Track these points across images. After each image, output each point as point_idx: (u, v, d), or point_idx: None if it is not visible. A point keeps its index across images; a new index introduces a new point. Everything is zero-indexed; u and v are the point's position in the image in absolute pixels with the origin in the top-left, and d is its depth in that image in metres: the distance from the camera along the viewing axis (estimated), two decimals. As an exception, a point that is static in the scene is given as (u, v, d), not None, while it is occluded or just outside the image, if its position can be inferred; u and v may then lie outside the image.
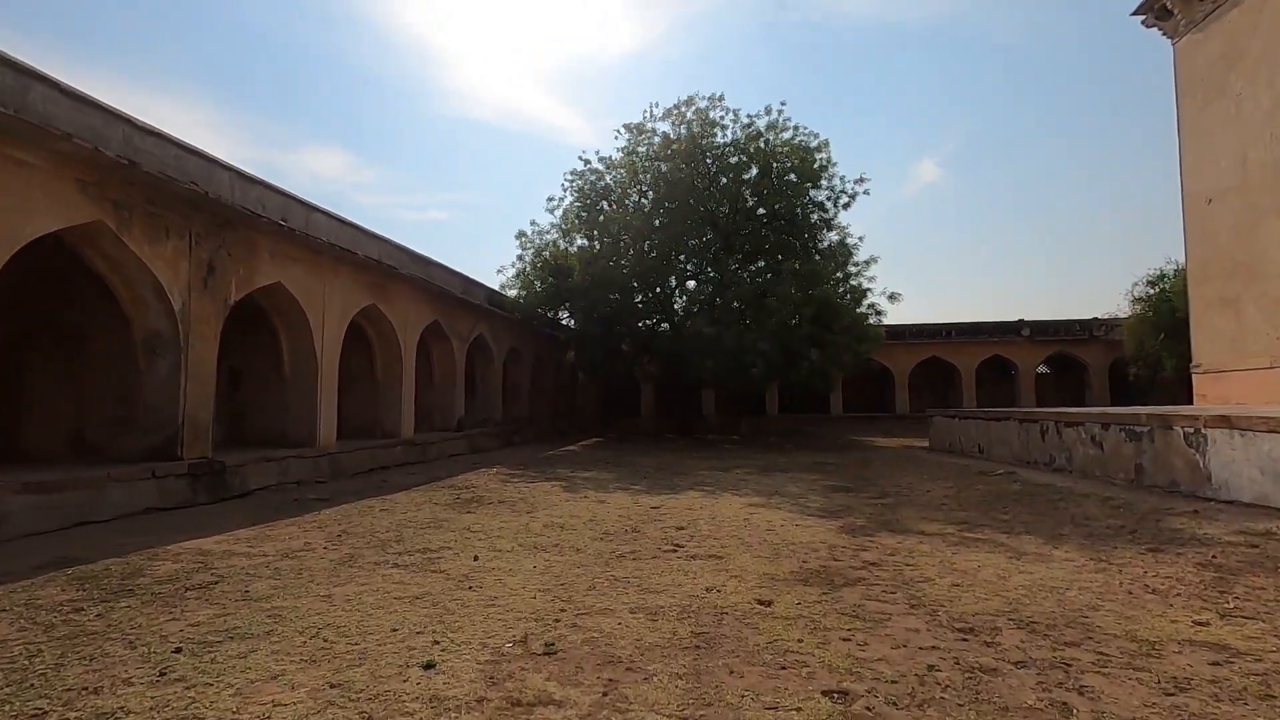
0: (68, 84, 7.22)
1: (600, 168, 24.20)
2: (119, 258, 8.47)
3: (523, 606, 4.35)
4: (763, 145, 22.30)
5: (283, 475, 10.61)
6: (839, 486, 10.65)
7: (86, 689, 3.06)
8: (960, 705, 2.88)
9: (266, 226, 10.32)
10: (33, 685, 3.11)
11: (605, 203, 24.23)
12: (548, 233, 24.23)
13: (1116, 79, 77.37)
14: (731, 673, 3.26)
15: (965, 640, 3.67)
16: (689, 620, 4.06)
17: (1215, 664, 3.31)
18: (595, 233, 23.72)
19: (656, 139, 23.20)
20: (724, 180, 22.53)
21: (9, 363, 9.57)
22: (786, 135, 22.64)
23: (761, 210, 22.82)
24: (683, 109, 22.99)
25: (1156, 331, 26.02)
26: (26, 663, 3.37)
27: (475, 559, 5.68)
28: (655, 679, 3.18)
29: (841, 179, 22.41)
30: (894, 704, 2.89)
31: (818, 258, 21.61)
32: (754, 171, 22.47)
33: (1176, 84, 14.32)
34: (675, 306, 24.47)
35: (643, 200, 24.12)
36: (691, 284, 24.78)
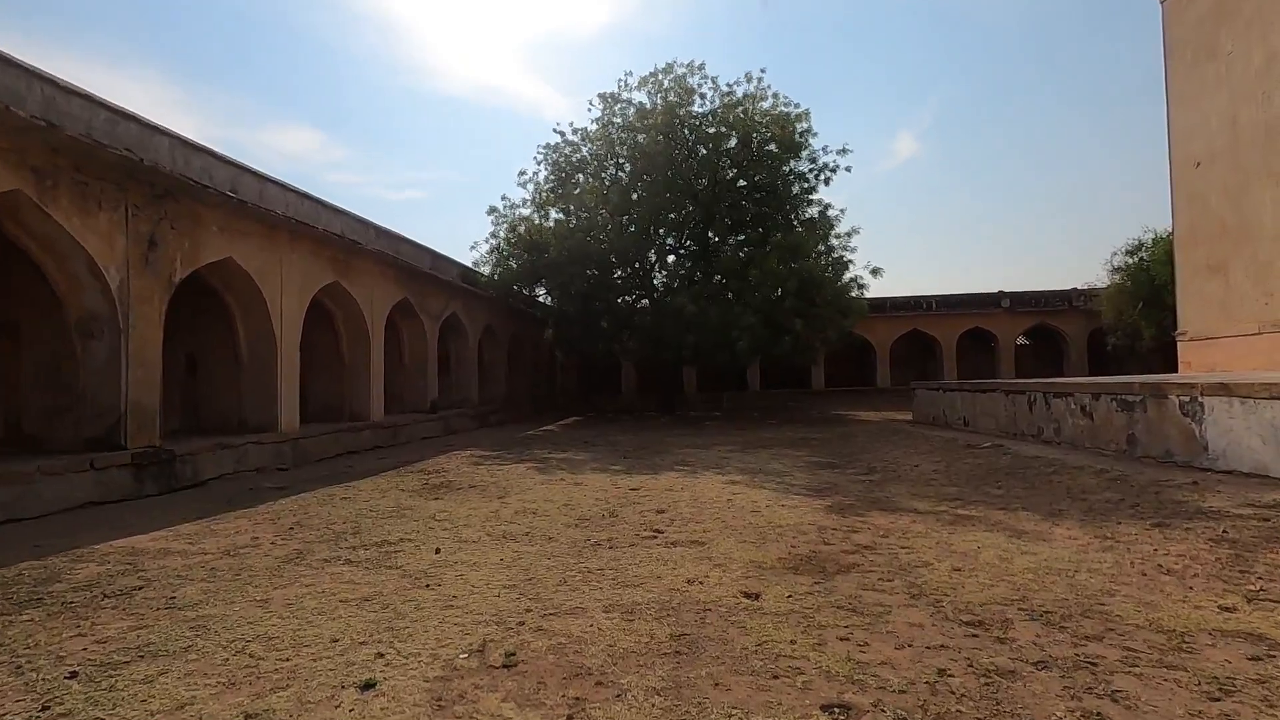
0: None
1: (575, 140, 23.47)
2: (46, 232, 7.77)
3: (484, 607, 3.91)
4: (742, 115, 21.69)
5: (240, 463, 10.03)
6: (824, 463, 10.33)
7: (-50, 729, 2.57)
8: (980, 719, 2.50)
9: (213, 198, 9.62)
10: (-115, 726, 2.61)
11: (580, 176, 23.54)
12: (521, 207, 23.48)
13: (1099, 43, 77.31)
14: (716, 685, 2.84)
15: (975, 636, 3.29)
16: (668, 619, 3.64)
17: (1255, 659, 2.95)
18: (571, 207, 23.05)
19: (632, 109, 22.51)
20: (703, 151, 21.93)
21: (-67, 348, 8.86)
22: (766, 104, 22.07)
23: (742, 182, 22.27)
24: (660, 77, 22.29)
25: (1135, 301, 26.05)
26: (-112, 696, 2.86)
27: (437, 552, 5.22)
28: (629, 695, 2.75)
29: (824, 149, 21.90)
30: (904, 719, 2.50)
31: (799, 230, 21.15)
32: (733, 142, 21.88)
33: (1165, 45, 13.97)
34: (655, 282, 23.95)
35: (619, 173, 23.46)
36: (671, 259, 24.24)
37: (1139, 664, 2.94)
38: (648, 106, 22.03)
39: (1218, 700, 2.60)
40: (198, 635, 3.49)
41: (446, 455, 12.38)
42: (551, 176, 23.49)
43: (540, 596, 4.10)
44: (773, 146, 21.66)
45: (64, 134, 7.15)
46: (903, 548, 5.06)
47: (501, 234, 22.99)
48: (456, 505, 7.28)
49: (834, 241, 22.00)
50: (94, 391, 8.31)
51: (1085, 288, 30.23)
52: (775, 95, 22.09)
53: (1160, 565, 4.36)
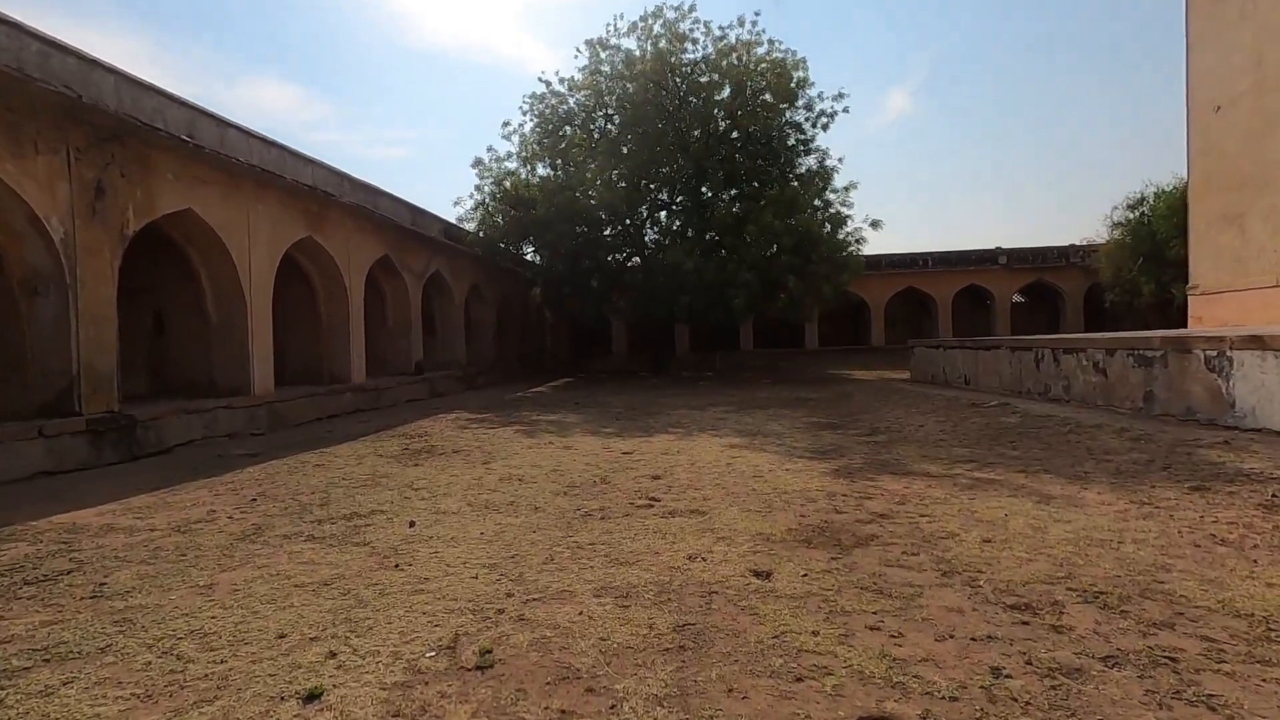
0: None
1: (562, 90, 22.46)
2: (-24, 178, 7.04)
3: (459, 591, 3.43)
4: (735, 62, 20.72)
5: (210, 429, 9.49)
6: (824, 423, 9.90)
7: None
8: (1054, 736, 2.05)
9: (166, 142, 8.85)
10: None
11: (568, 128, 22.59)
12: (507, 161, 22.54)
13: (1094, -2, 75.23)
14: (730, 690, 2.38)
15: (1025, 624, 2.85)
16: (669, 605, 3.18)
17: (1361, 650, 2.52)
18: (558, 161, 22.17)
19: (620, 57, 21.45)
20: (694, 101, 21.00)
21: None
22: (761, 50, 21.06)
23: (735, 133, 21.39)
24: (649, 21, 21.21)
25: (1134, 257, 25.59)
26: None
27: (411, 525, 4.74)
28: (625, 706, 2.29)
29: (820, 95, 20.98)
30: (963, 739, 2.05)
31: (795, 184, 20.38)
32: (727, 91, 20.95)
33: (1186, -20, 13.15)
34: (646, 239, 23.21)
35: (608, 125, 22.54)
36: (663, 215, 23.47)
37: (1225, 659, 2.50)
38: (637, 54, 20.99)
39: (1337, 708, 2.16)
40: (121, 632, 3.00)
41: (430, 419, 11.87)
42: (538, 129, 22.53)
43: (523, 577, 3.63)
44: (768, 96, 20.75)
45: (-15, 65, 6.39)
46: (923, 516, 4.62)
47: (487, 189, 22.13)
48: (437, 472, 6.79)
49: (831, 196, 21.26)
50: (41, 354, 7.69)
51: (1084, 244, 29.69)
52: (771, 41, 21.10)
53: (1213, 535, 3.93)
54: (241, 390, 10.70)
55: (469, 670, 2.59)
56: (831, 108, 20.98)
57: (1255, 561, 3.50)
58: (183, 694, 2.45)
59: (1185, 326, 14.08)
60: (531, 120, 22.53)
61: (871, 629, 2.84)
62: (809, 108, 21.05)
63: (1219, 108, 12.19)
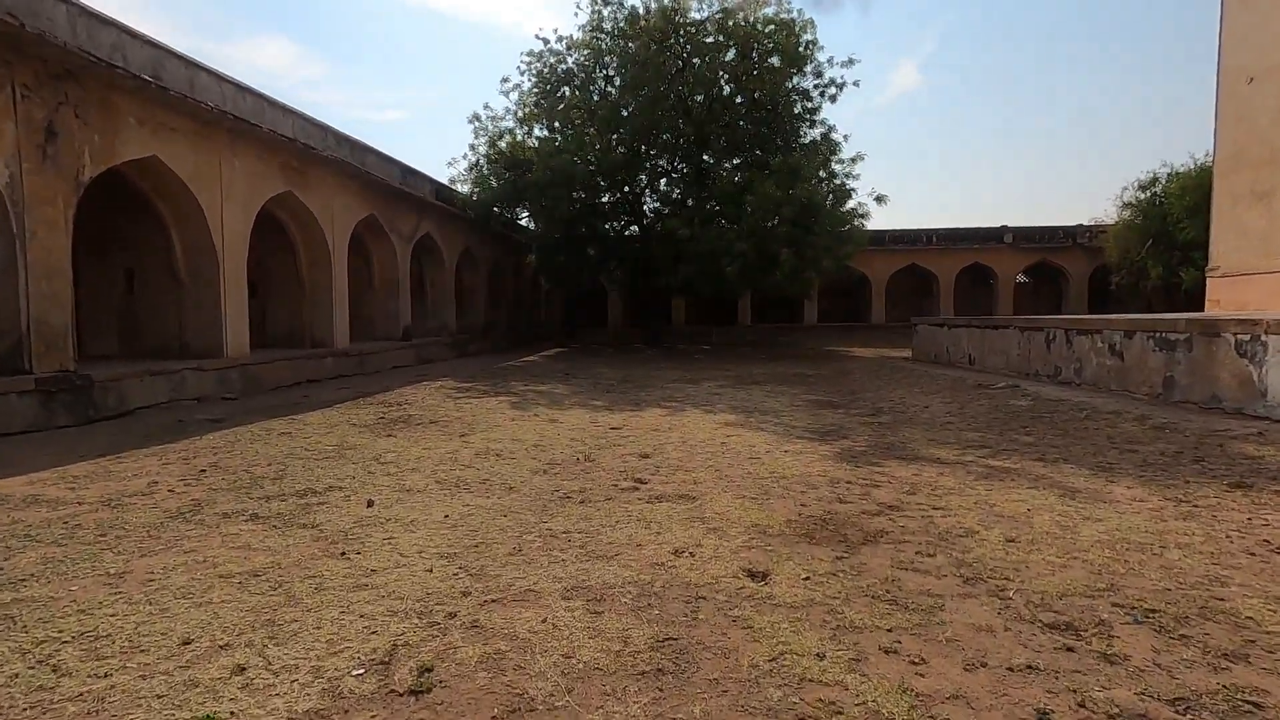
0: None
1: (561, 49, 21.54)
2: (-91, 111, 6.42)
3: (408, 588, 2.97)
4: (742, 22, 19.82)
5: (177, 391, 8.99)
6: (824, 401, 9.44)
7: None
8: (1129, 816, 1.60)
9: (127, 83, 8.19)
10: None
11: (567, 89, 21.73)
12: (504, 119, 21.71)
13: (1111, -27, 73.30)
14: (717, 734, 1.93)
15: (1070, 650, 2.40)
16: (649, 613, 2.72)
17: None
18: (556, 123, 21.35)
19: (623, 15, 20.53)
20: (698, 63, 20.16)
21: None
22: (769, 10, 20.14)
23: (740, 99, 20.57)
24: (654, -26, 20.22)
25: (1143, 238, 25.02)
26: None
27: (369, 505, 4.27)
28: (586, 755, 1.83)
29: (830, 60, 20.13)
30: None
31: (799, 154, 19.64)
32: (732, 54, 20.10)
33: (1221, -59, 12.38)
34: (645, 207, 22.52)
35: (609, 87, 21.68)
36: (663, 183, 22.72)
37: (1321, 705, 2.05)
38: (640, 9, 20.09)
39: None
40: (-4, 632, 2.53)
41: (414, 386, 11.39)
42: (535, 89, 21.66)
43: (485, 572, 3.17)
44: (775, 60, 19.92)
45: (-91, -18, 5.74)
46: (936, 508, 4.17)
47: (482, 149, 21.39)
48: (409, 444, 6.32)
49: (836, 167, 20.54)
50: (-13, 307, 7.14)
51: (1092, 224, 29.04)
52: (779, 1, 20.15)
53: (1268, 541, 3.48)
54: (213, 352, 10.17)
55: (400, 695, 2.13)
56: (841, 76, 20.28)
57: (1323, 575, 3.05)
58: (42, 721, 1.99)
59: (1195, 310, 13.59)
60: (529, 80, 21.67)
61: (887, 651, 2.39)
62: (818, 74, 20.23)
63: (1252, 79, 11.54)
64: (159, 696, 2.11)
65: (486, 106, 25.94)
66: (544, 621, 2.64)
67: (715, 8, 20.14)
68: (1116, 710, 2.02)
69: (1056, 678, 2.21)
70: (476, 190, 20.48)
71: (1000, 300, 29.75)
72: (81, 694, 2.13)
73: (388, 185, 15.13)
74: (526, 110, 21.58)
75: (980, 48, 75.83)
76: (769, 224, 18.06)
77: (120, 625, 2.59)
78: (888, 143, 77.89)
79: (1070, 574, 3.09)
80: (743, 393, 10.44)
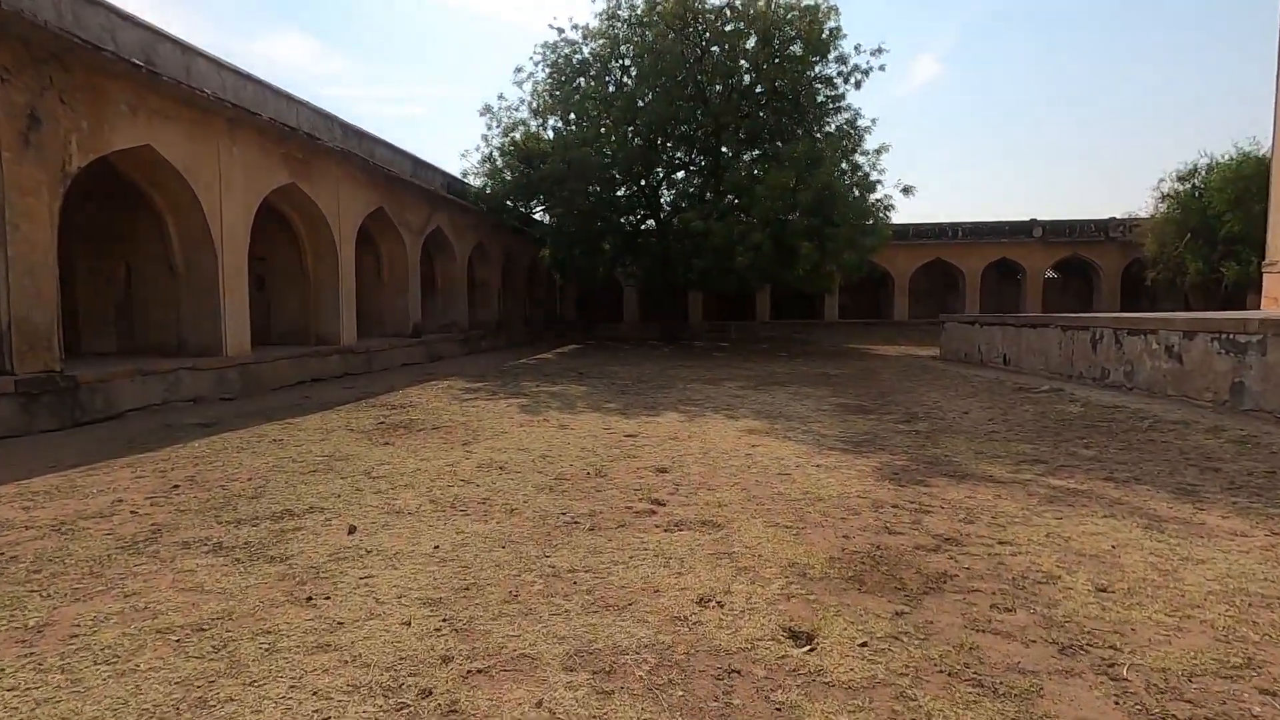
0: None
1: (576, 38, 20.97)
2: (-122, 95, 6.02)
3: (379, 649, 2.46)
4: (763, 8, 19.11)
5: (171, 392, 8.58)
6: (854, 405, 8.84)
7: None
8: None
9: (117, 67, 7.76)
10: None
11: (582, 80, 21.15)
12: (518, 110, 21.19)
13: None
14: None
15: (1227, 765, 1.82)
16: (670, 693, 2.18)
17: None
18: (571, 115, 20.79)
19: (640, 1, 19.89)
20: (717, 52, 19.51)
21: None
22: (792, -4, 19.39)
23: (760, 88, 19.90)
24: (672, -40, 19.56)
25: (1182, 232, 24.01)
26: None
27: (351, 532, 3.77)
28: None
29: (857, 48, 19.36)
30: None
31: (821, 143, 18.91)
32: (752, 41, 19.40)
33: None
34: (662, 201, 21.92)
35: (625, 77, 21.10)
36: (680, 176, 22.11)
37: None
38: (657, -2, 19.44)
39: None
40: None
41: (421, 386, 10.93)
42: (550, 80, 21.10)
43: (473, 626, 2.65)
44: (797, 47, 19.20)
45: None
46: (1001, 542, 3.58)
47: (495, 141, 20.88)
48: (407, 454, 5.83)
49: (860, 159, 19.78)
50: (-36, 304, 6.75)
51: (1125, 217, 27.96)
52: (801, -15, 19.38)
53: None
54: (212, 350, 9.76)
55: (343, 830, 1.60)
56: (868, 63, 19.37)
57: None
58: None
59: (1239, 308, 12.75)
60: (544, 70, 21.11)
61: (984, 765, 1.83)
62: (841, 61, 19.46)
63: (1317, 60, 10.69)
64: (29, 825, 1.60)
65: (501, 97, 25.34)
66: (539, 705, 2.11)
67: (736, -7, 19.45)
68: None
69: (1224, 817, 1.64)
70: (489, 183, 20.00)
71: (1028, 296, 28.83)
72: (-71, 820, 1.62)
73: (397, 178, 14.68)
74: (541, 101, 21.05)
75: (1005, 37, 74.13)
76: (786, 216, 17.35)
77: (15, 707, 2.09)
78: (908, 136, 76.48)
79: (1190, 641, 2.51)
80: (765, 395, 9.86)
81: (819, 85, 19.81)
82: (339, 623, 2.67)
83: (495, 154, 20.65)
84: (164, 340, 10.02)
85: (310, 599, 2.89)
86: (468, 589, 3.01)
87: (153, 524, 3.86)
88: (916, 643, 2.51)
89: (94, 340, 10.64)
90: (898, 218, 21.16)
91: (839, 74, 19.62)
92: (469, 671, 2.32)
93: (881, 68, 19.55)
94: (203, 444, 6.19)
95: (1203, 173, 24.17)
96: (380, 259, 15.76)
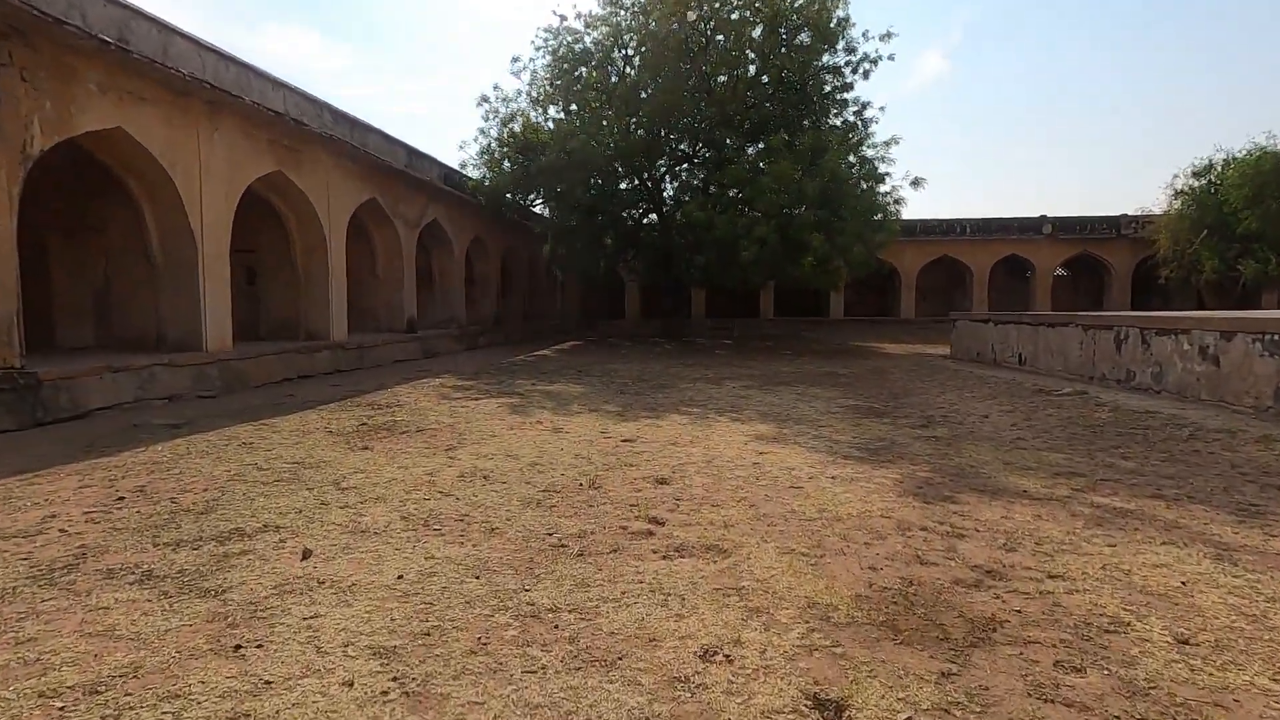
0: None
1: (578, 26, 20.43)
2: None
3: (307, 721, 1.98)
4: (770, -4, 18.54)
5: (144, 389, 8.12)
6: (865, 408, 8.35)
7: None
8: None
9: (85, 44, 7.28)
10: None
11: (583, 69, 20.60)
12: (515, 100, 20.68)
13: (1152, -47, 70.34)
14: None
15: None
16: (667, 794, 1.70)
17: None
18: (572, 106, 20.28)
19: (645, -12, 19.34)
20: (722, 40, 18.96)
21: None
22: (799, -17, 18.82)
23: (766, 78, 19.35)
24: (677, -54, 18.99)
25: (1197, 229, 23.45)
26: None
27: (305, 556, 3.30)
28: None
29: (865, 34, 18.81)
30: None
31: (827, 133, 18.35)
32: (759, 30, 18.84)
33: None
34: (665, 195, 21.41)
35: (627, 67, 20.54)
36: (683, 170, 21.57)
37: None
38: (662, -17, 18.87)
39: None
40: None
41: (412, 384, 10.47)
42: (551, 69, 20.57)
43: (427, 688, 2.18)
44: (804, 37, 18.66)
45: None
46: (1052, 576, 3.10)
47: (493, 132, 20.36)
48: (385, 461, 5.36)
49: (868, 152, 19.22)
50: (-86, 295, 6.29)
51: (1138, 213, 27.38)
52: (810, -26, 18.81)
53: None
54: (192, 344, 9.31)
55: None
56: (876, 51, 18.82)
57: None
58: None
59: (1255, 309, 12.21)
60: (544, 58, 20.58)
61: None
62: (850, 50, 18.90)
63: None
64: None
65: (496, 88, 24.78)
66: (497, 813, 1.63)
67: (742, -20, 18.89)
68: None
69: None
70: (488, 175, 19.50)
71: (1037, 294, 28.28)
72: None
73: (391, 168, 14.19)
74: (540, 91, 20.54)
75: (1013, 31, 73.27)
76: (792, 209, 16.82)
77: None
78: (916, 133, 75.71)
79: (1312, 718, 2.02)
80: (771, 395, 9.38)
81: (827, 75, 19.26)
82: (266, 682, 2.20)
83: (493, 145, 20.15)
84: (142, 334, 9.58)
85: (239, 647, 2.42)
86: (428, 635, 2.54)
87: (80, 546, 3.39)
88: (973, 718, 2.03)
89: (70, 334, 10.20)
90: (905, 213, 20.63)
91: (847, 63, 19.08)
92: (414, 757, 1.84)
93: (890, 57, 18.98)
94: (165, 448, 5.72)
95: (1219, 168, 23.63)
96: (374, 252, 15.29)
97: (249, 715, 2.02)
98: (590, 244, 20.19)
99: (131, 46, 7.83)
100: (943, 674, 2.27)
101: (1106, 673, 2.28)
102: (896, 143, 19.35)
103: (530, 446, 5.95)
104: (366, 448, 5.83)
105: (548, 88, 20.45)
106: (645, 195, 21.14)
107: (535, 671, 2.28)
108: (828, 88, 19.43)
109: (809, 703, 2.11)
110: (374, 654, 2.39)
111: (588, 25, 20.32)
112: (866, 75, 19.02)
